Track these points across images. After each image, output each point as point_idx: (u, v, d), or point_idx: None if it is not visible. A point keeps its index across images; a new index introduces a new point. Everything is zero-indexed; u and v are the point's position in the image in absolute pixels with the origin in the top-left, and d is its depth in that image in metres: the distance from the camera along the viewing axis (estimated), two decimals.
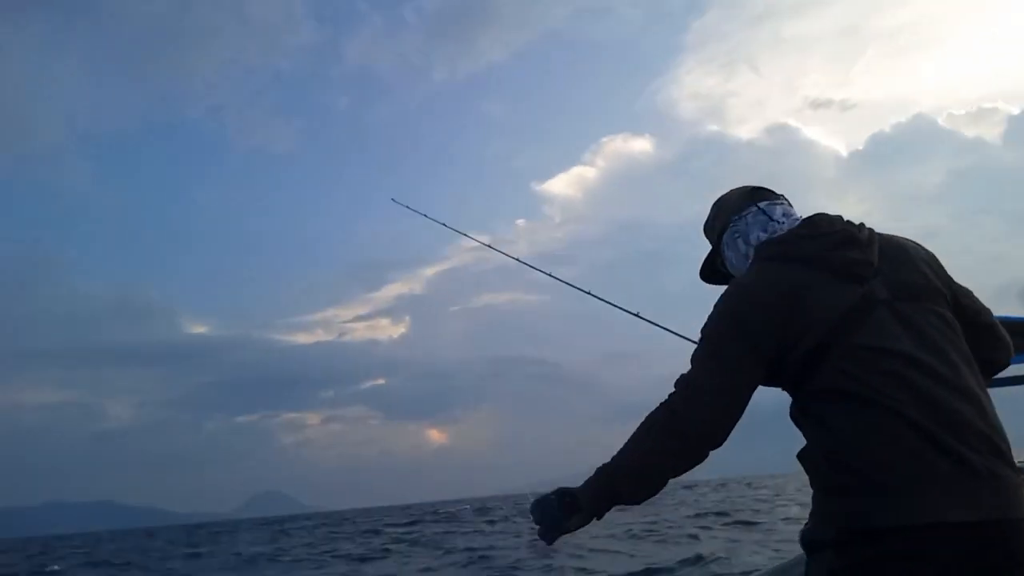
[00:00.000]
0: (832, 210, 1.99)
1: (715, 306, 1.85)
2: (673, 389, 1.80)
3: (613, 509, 1.80)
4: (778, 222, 2.00)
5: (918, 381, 1.68)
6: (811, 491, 1.82)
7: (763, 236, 1.99)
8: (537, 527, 1.80)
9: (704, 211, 2.21)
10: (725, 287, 1.90)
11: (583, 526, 1.80)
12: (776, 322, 1.76)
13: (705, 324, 1.86)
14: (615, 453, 1.79)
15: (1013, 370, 2.90)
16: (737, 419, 1.80)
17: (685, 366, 1.85)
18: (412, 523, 34.96)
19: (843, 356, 1.72)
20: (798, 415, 1.82)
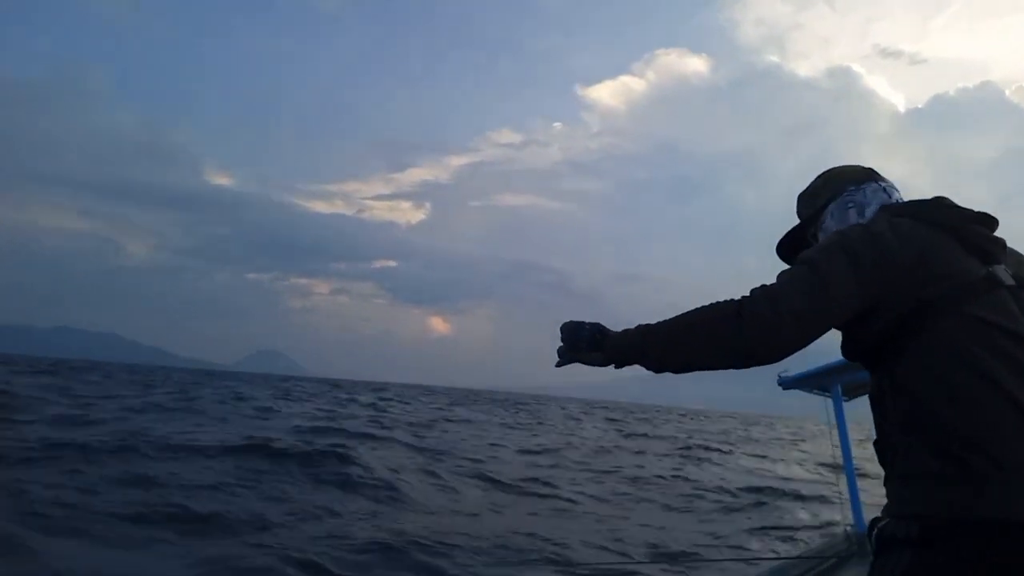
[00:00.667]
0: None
1: (828, 238, 1.74)
2: (747, 294, 1.68)
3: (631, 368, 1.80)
4: (898, 202, 1.92)
5: None
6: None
7: (856, 221, 1.89)
8: (560, 344, 1.82)
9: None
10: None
11: (597, 366, 1.81)
12: (895, 267, 1.66)
13: (810, 251, 1.73)
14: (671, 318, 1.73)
15: None
16: (799, 349, 1.70)
17: (693, 302, 1.78)
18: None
19: (957, 324, 1.61)
20: (884, 388, 1.69)
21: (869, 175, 1.98)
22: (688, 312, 1.72)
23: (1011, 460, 1.52)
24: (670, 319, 1.71)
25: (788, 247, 2.11)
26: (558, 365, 1.84)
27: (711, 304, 1.69)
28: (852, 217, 1.93)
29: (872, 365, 1.75)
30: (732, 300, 1.67)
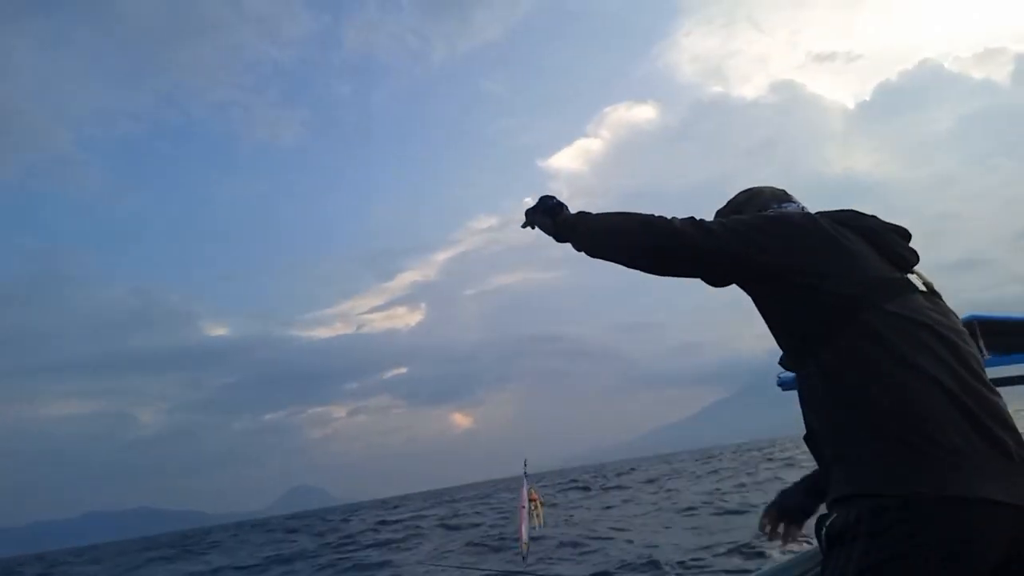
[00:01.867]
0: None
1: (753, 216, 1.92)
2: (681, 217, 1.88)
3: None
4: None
5: (951, 360, 1.71)
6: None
7: None
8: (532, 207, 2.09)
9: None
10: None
11: (547, 233, 2.00)
12: (814, 249, 1.81)
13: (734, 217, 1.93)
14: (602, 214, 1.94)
15: (1014, 370, 2.87)
16: (700, 276, 1.86)
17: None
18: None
19: (879, 318, 1.76)
20: (814, 380, 1.78)
21: (787, 196, 2.06)
22: (622, 214, 1.89)
23: (945, 439, 1.64)
24: (606, 214, 1.90)
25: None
26: (522, 226, 2.07)
27: (644, 215, 1.88)
28: None
29: (801, 362, 1.80)
30: (663, 217, 1.88)
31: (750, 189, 2.09)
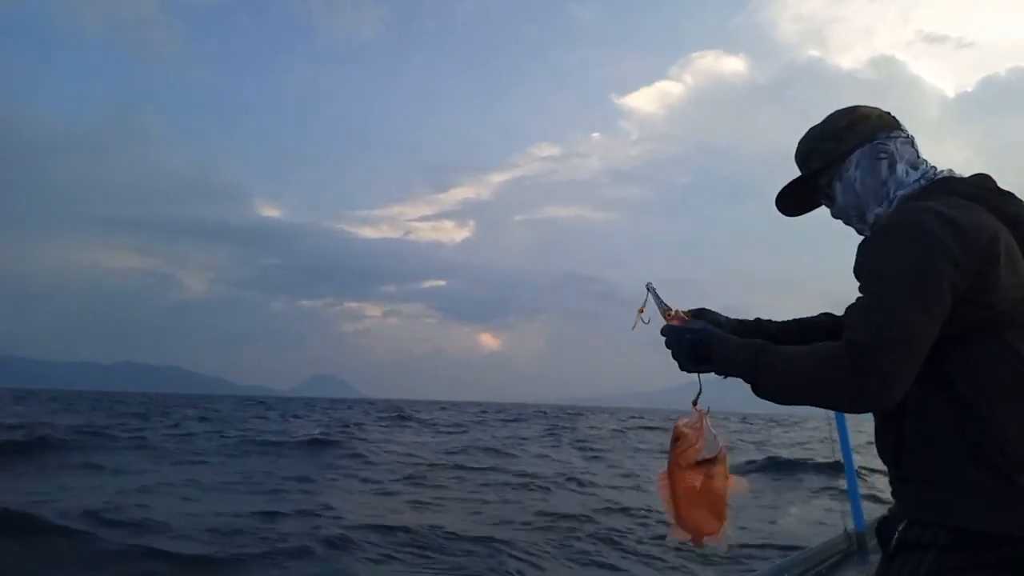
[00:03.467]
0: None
1: (904, 236, 1.49)
2: (850, 323, 1.50)
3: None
4: (925, 161, 1.73)
5: None
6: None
7: (912, 172, 1.70)
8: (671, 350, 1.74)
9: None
10: (898, 220, 1.55)
11: (704, 373, 1.71)
12: (976, 269, 1.46)
13: (890, 256, 1.50)
14: (784, 350, 1.58)
15: None
16: (910, 380, 1.48)
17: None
18: None
19: (1020, 335, 1.48)
20: (928, 392, 1.52)
21: (895, 122, 1.76)
22: (806, 350, 1.55)
23: None
24: (789, 351, 1.57)
25: (792, 196, 1.87)
26: (685, 369, 1.75)
27: (823, 347, 1.52)
28: (883, 170, 1.70)
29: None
30: (841, 343, 1.49)
31: (851, 111, 1.77)
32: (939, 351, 1.49)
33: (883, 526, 1.66)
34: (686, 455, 1.64)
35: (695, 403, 1.68)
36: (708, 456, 1.63)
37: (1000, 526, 1.44)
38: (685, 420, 1.68)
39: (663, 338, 1.72)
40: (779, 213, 1.91)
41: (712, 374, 1.69)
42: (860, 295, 1.54)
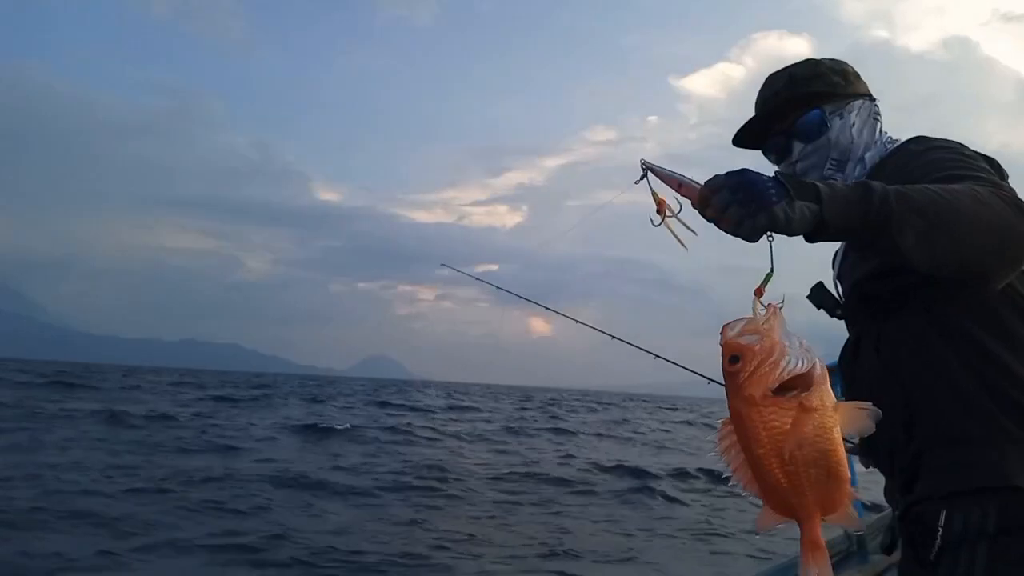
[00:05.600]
0: (1001, 136, 1.67)
1: (956, 146, 1.43)
2: (962, 173, 1.28)
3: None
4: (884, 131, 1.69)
5: None
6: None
7: (878, 136, 1.65)
8: (728, 207, 1.08)
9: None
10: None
11: (796, 230, 1.09)
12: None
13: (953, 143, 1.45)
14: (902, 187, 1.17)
15: None
16: None
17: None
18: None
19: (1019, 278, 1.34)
20: (928, 334, 1.37)
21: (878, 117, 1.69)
22: (934, 190, 1.17)
23: None
24: (913, 190, 1.16)
25: (761, 123, 1.70)
26: (749, 237, 1.09)
27: (956, 187, 1.19)
28: (877, 130, 1.65)
29: (902, 306, 1.41)
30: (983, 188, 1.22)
31: (844, 63, 1.72)
32: (945, 299, 1.34)
33: (913, 524, 1.37)
34: (757, 379, 0.99)
35: (761, 291, 1.08)
36: (798, 372, 0.98)
37: None
38: (742, 322, 1.03)
39: (710, 196, 1.10)
40: (733, 143, 1.77)
41: (803, 226, 1.09)
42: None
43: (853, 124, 1.62)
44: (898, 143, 1.60)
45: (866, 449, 1.58)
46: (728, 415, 1.05)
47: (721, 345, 1.03)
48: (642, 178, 1.30)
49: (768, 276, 1.08)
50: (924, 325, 1.37)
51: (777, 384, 0.98)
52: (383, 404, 32.83)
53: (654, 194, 1.27)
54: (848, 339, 1.59)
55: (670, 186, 1.25)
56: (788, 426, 0.98)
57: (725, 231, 1.09)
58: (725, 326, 1.03)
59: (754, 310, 1.04)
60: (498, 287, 3.84)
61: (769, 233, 1.07)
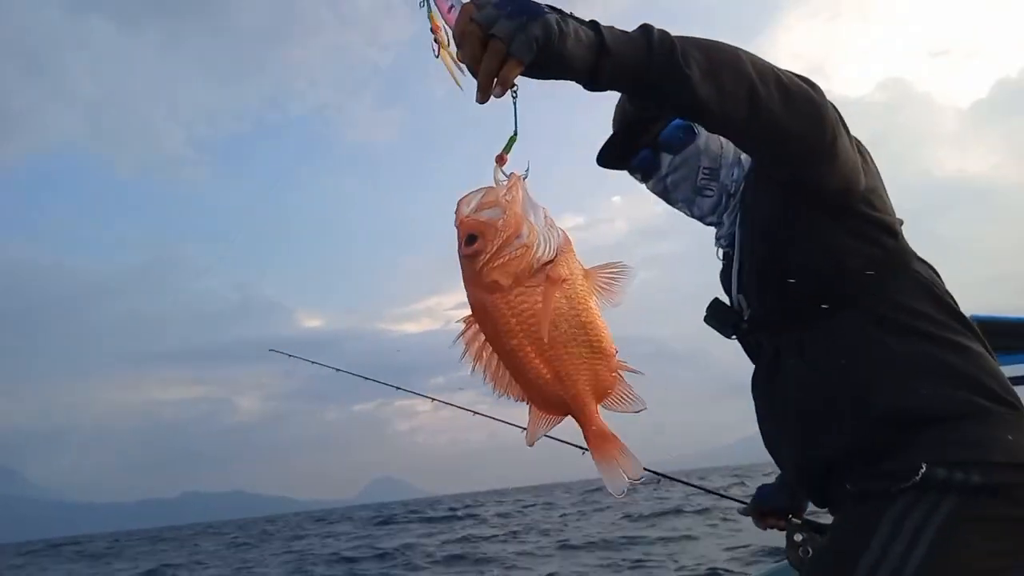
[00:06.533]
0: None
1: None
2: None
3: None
4: None
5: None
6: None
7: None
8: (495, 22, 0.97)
9: None
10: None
11: (574, 53, 1.01)
12: (880, 186, 1.50)
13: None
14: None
15: (1014, 370, 2.77)
16: (793, 163, 1.39)
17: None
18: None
19: (924, 272, 1.50)
20: (866, 328, 1.43)
21: None
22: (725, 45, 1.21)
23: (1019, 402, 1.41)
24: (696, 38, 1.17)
25: (628, 134, 1.69)
26: (521, 52, 0.97)
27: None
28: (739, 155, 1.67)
29: (832, 307, 1.46)
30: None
31: None
32: (869, 294, 1.44)
33: (874, 478, 1.36)
34: (502, 263, 0.92)
35: (503, 157, 1.00)
36: (547, 260, 0.93)
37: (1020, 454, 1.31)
38: (479, 194, 0.97)
39: (475, 11, 0.97)
40: (599, 163, 1.74)
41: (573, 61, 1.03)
42: None
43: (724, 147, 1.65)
44: None
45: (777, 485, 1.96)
46: (468, 311, 1.00)
47: (456, 225, 0.98)
48: (424, 2, 1.24)
49: (512, 139, 1.01)
50: (859, 321, 1.43)
51: (524, 269, 0.93)
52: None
53: (431, 18, 1.20)
54: (758, 365, 1.66)
55: (440, 11, 1.17)
56: (539, 306, 0.92)
57: (492, 61, 0.96)
58: (460, 200, 0.98)
59: (495, 179, 0.99)
60: (338, 369, 3.75)
61: (514, 87, 1.00)
